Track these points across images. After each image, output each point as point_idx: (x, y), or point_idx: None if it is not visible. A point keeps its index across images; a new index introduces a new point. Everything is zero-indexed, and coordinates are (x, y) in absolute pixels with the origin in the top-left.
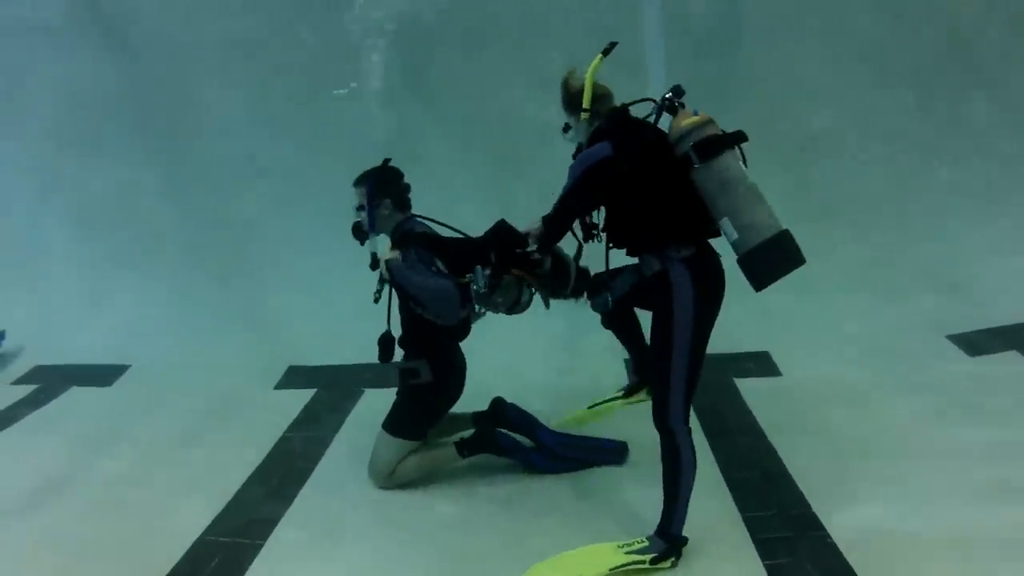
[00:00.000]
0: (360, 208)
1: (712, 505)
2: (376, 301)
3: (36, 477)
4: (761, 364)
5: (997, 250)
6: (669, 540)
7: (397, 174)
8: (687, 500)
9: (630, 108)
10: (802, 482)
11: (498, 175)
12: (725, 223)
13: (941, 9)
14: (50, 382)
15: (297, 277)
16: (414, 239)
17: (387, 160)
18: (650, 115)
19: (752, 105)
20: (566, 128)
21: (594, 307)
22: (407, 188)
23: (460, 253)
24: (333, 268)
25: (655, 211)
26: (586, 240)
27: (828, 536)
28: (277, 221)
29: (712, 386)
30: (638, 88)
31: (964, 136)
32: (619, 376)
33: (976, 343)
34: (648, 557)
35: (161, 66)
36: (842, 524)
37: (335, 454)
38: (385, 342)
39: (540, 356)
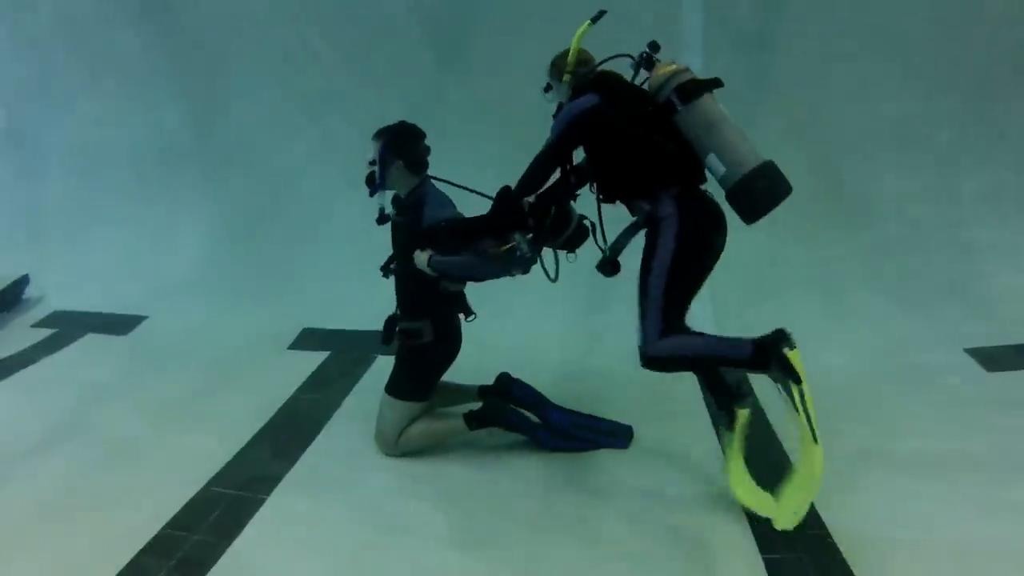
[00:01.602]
0: (372, 163)
1: (714, 498)
2: (385, 276)
3: (46, 422)
4: None
5: None
6: (761, 361)
7: (415, 135)
8: (724, 345)
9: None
10: None
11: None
12: (711, 159)
13: (988, 17)
14: (67, 327)
15: (323, 239)
16: (441, 234)
17: (403, 121)
18: (635, 75)
19: (787, 102)
20: (547, 88)
21: (602, 271)
22: (426, 150)
23: (491, 229)
24: (357, 231)
25: (641, 156)
26: (571, 195)
27: (828, 535)
28: (308, 182)
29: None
30: None
31: (1002, 147)
32: (633, 356)
33: (995, 358)
34: (791, 383)
35: (199, 25)
36: (842, 525)
37: (342, 417)
38: (389, 323)
39: (555, 336)
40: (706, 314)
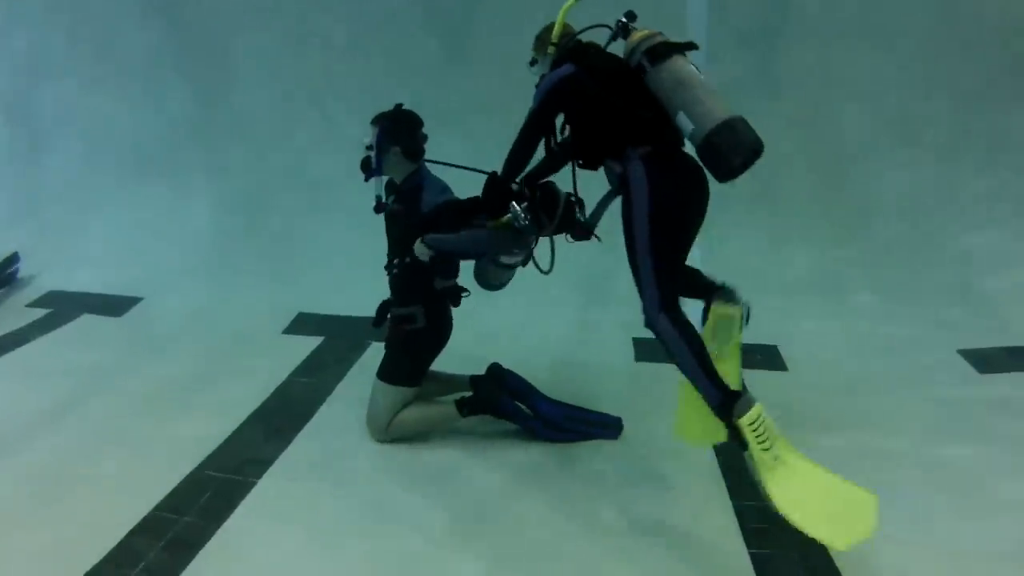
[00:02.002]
0: (369, 147)
1: (703, 491)
2: (389, 274)
3: (39, 402)
4: (768, 357)
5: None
6: (720, 415)
7: (413, 122)
8: (702, 374)
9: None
10: None
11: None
12: (681, 116)
13: (990, 18)
14: (62, 307)
15: (321, 225)
16: (441, 218)
17: (399, 105)
18: (608, 44)
19: (791, 101)
20: (533, 62)
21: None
22: (423, 138)
23: (486, 207)
24: (355, 218)
25: (611, 117)
26: (556, 168)
27: None
28: (307, 169)
29: None
30: None
31: (1002, 149)
32: (628, 354)
33: (988, 360)
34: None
35: (203, 8)
36: None
37: (336, 402)
38: (382, 308)
39: (548, 329)
40: (700, 312)
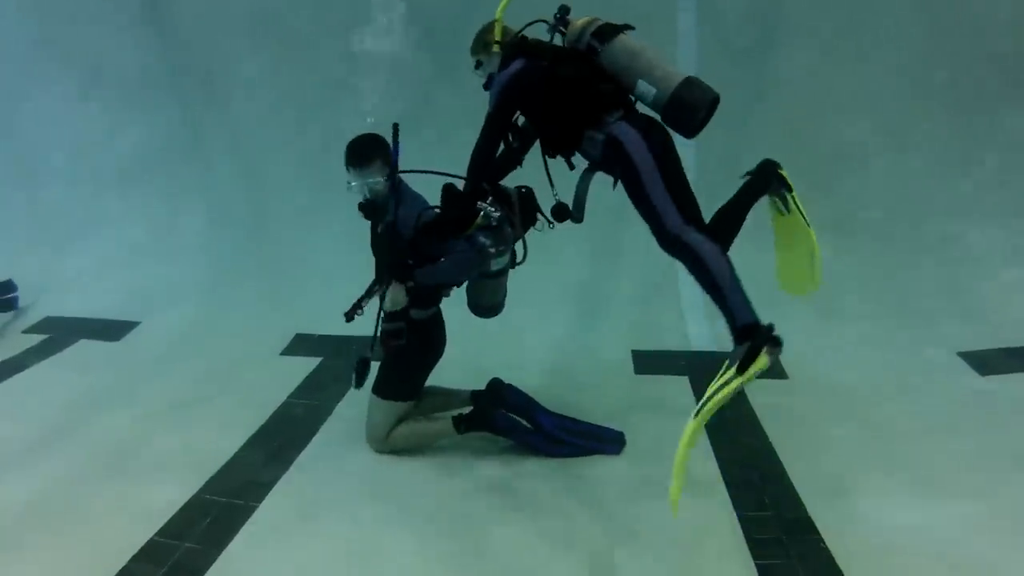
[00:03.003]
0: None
1: (709, 502)
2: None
3: (38, 428)
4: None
5: (1020, 269)
6: (746, 335)
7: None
8: (736, 287)
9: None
10: (800, 486)
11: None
12: (641, 84)
13: (980, 24)
14: (59, 333)
15: (316, 245)
16: (419, 239)
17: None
18: (552, 37)
19: (782, 111)
20: (478, 64)
21: (555, 217)
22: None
23: (456, 218)
24: (350, 237)
25: (579, 94)
26: (517, 161)
27: (822, 541)
28: (300, 188)
29: None
30: None
31: (995, 153)
32: (625, 362)
33: (987, 361)
34: (734, 369)
35: (194, 31)
36: (837, 531)
37: (335, 423)
38: (361, 366)
39: (547, 340)
40: (699, 322)
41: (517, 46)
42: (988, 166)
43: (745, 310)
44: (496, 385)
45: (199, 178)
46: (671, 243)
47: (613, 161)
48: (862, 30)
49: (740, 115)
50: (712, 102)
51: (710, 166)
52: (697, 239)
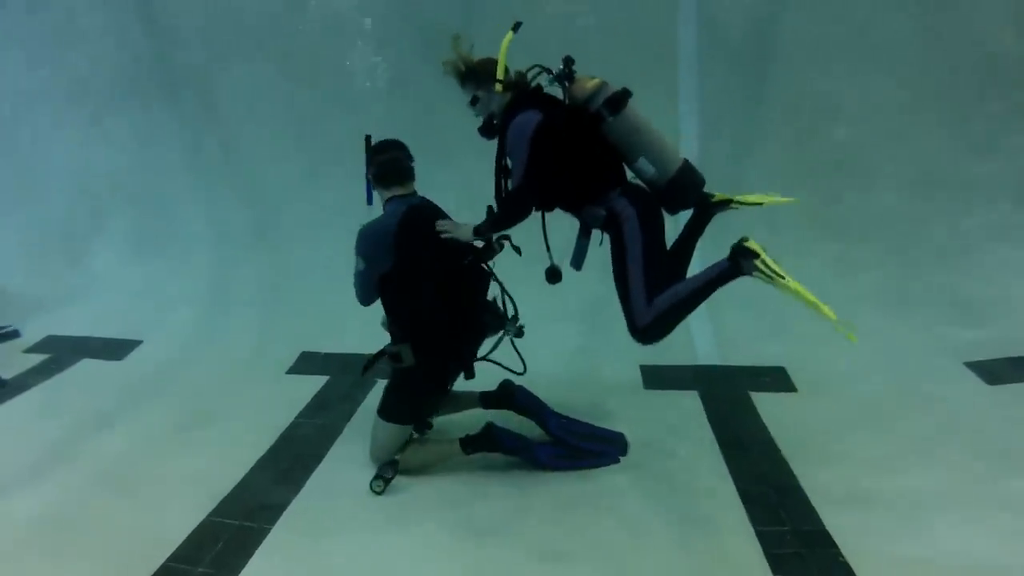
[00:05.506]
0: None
1: (725, 518)
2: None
3: (41, 449)
4: (777, 379)
5: None
6: (735, 256)
7: (377, 150)
8: (707, 284)
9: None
10: (815, 499)
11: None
12: (642, 161)
13: (981, 35)
14: (61, 352)
15: (316, 261)
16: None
17: (367, 137)
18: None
19: (784, 122)
20: (474, 100)
21: (548, 280)
22: (396, 165)
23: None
24: (352, 253)
25: (588, 166)
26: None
27: (840, 555)
28: (303, 204)
29: (727, 399)
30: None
31: (997, 161)
32: (634, 377)
33: (995, 372)
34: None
35: (190, 42)
36: (854, 544)
37: (344, 443)
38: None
39: (554, 353)
40: (707, 336)
41: (532, 94)
42: (994, 175)
43: (717, 267)
44: (507, 387)
45: (200, 194)
46: (640, 336)
47: (608, 227)
48: (862, 40)
49: (740, 126)
50: (701, 186)
51: (711, 176)
52: (664, 298)
